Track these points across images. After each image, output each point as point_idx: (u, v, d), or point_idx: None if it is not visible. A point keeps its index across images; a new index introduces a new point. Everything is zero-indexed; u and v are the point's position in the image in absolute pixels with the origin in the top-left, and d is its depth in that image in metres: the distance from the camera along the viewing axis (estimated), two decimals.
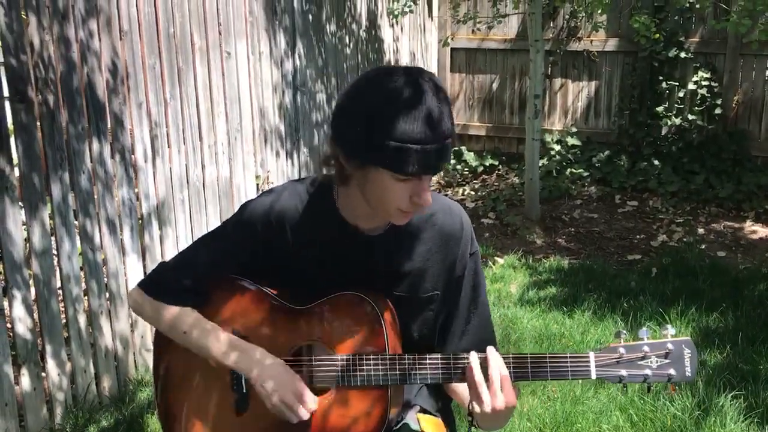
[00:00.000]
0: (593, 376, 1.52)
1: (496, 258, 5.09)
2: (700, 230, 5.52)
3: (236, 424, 1.67)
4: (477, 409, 1.50)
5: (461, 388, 1.68)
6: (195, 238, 3.57)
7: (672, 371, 1.51)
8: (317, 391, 1.62)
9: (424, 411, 1.76)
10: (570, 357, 1.53)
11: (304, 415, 1.57)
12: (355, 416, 1.59)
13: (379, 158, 1.42)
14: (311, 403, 1.58)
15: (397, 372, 1.56)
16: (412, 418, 1.72)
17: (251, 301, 1.67)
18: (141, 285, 1.73)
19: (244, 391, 1.65)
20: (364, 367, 1.57)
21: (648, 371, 1.51)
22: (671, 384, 1.54)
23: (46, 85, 3.00)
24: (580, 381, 3.33)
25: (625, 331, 1.55)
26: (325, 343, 1.62)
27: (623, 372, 1.52)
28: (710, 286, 4.46)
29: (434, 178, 6.67)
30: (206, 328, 1.65)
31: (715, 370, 3.41)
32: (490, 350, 1.54)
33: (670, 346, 1.51)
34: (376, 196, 1.49)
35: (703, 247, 5.21)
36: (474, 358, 1.53)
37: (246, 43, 4.24)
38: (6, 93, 2.89)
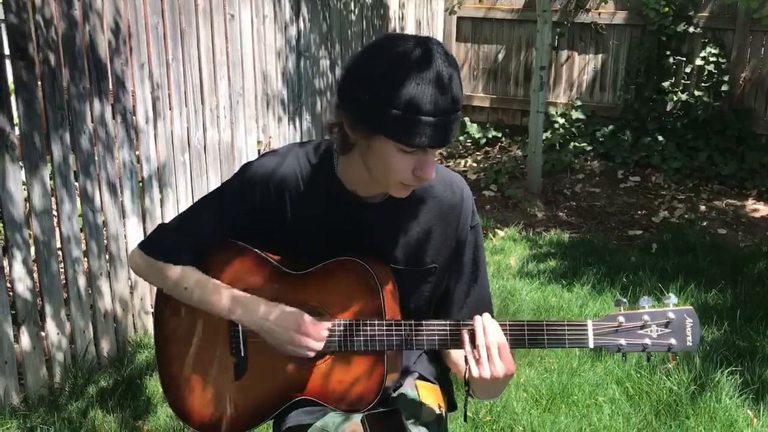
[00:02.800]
0: (591, 345, 1.51)
1: (496, 230, 5.09)
2: (702, 207, 5.51)
3: (235, 388, 1.67)
4: (476, 374, 1.49)
5: (459, 358, 1.68)
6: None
7: (673, 341, 1.50)
8: (315, 356, 1.61)
9: (422, 378, 1.76)
10: (567, 324, 1.52)
11: (317, 345, 1.56)
12: (352, 381, 1.59)
13: (387, 127, 1.39)
14: (316, 329, 1.56)
15: (395, 338, 1.56)
16: (410, 384, 1.72)
17: (250, 265, 1.66)
18: (141, 246, 1.73)
19: (243, 355, 1.65)
20: (362, 332, 1.56)
21: (647, 340, 1.50)
22: (672, 354, 1.52)
23: (47, 44, 2.96)
24: (577, 353, 3.34)
25: (625, 299, 1.53)
26: (323, 308, 1.61)
27: (622, 341, 1.50)
28: (710, 263, 4.46)
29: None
30: (209, 284, 1.64)
31: (712, 346, 3.42)
32: (487, 317, 1.53)
33: (671, 315, 1.49)
34: (379, 166, 1.47)
35: (705, 224, 5.20)
36: (477, 322, 1.52)
37: (250, 5, 4.18)
38: (7, 51, 2.86)
